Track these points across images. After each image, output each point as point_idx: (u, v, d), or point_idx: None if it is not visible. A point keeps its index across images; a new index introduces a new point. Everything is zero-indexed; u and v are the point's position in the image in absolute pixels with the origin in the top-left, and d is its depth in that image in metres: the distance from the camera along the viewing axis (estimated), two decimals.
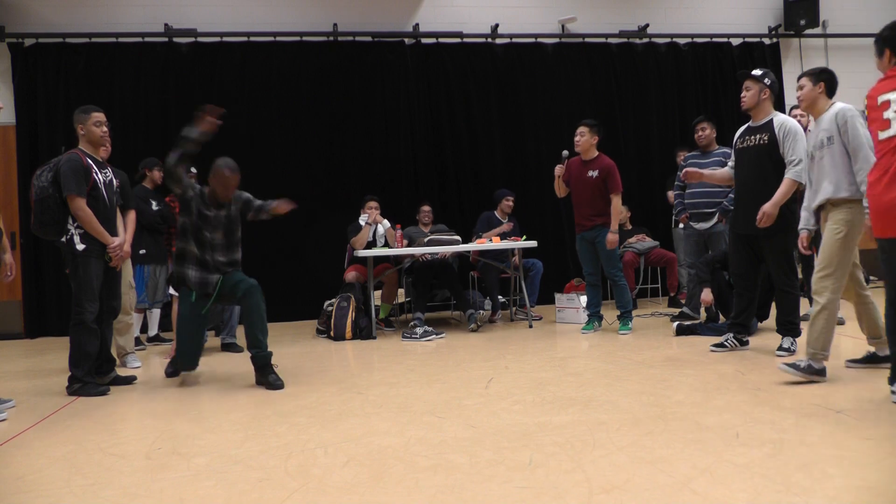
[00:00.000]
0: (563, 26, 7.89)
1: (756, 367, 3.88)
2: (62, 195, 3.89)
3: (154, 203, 5.66)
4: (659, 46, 8.03)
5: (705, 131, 5.64)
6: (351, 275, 6.07)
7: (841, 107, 3.49)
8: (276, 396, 3.69)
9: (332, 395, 3.64)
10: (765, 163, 4.09)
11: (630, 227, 7.32)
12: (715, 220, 5.53)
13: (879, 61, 3.30)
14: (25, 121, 6.77)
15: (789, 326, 4.21)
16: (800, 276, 5.39)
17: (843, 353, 4.25)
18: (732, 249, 4.39)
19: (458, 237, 6.08)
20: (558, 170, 5.52)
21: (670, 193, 6.54)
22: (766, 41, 8.26)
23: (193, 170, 6.04)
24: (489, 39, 7.68)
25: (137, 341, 5.22)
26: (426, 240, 5.97)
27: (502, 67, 7.69)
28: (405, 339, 5.48)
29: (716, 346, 4.41)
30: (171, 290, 5.40)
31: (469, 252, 6.46)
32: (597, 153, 5.43)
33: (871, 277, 8.15)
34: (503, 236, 6.33)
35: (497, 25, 7.65)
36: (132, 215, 4.92)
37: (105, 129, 4.14)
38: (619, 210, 5.34)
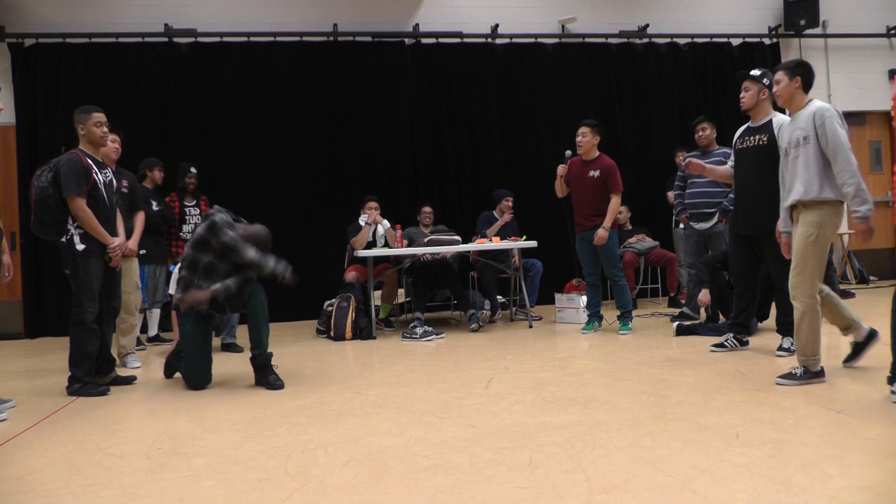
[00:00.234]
0: (563, 26, 7.89)
1: (756, 367, 3.88)
2: (62, 195, 3.88)
3: (154, 203, 5.66)
4: (659, 46, 8.03)
5: (705, 131, 5.64)
6: (351, 275, 6.07)
7: (819, 106, 3.45)
8: (276, 396, 3.69)
9: (332, 396, 3.64)
10: (764, 163, 4.09)
11: (630, 227, 7.32)
12: (715, 220, 5.54)
13: None
14: (25, 121, 6.77)
15: (789, 326, 4.20)
16: None
17: (841, 354, 4.26)
18: (732, 249, 4.39)
19: (458, 237, 6.08)
20: (561, 169, 5.52)
21: (670, 194, 6.54)
22: (766, 41, 8.26)
23: (193, 169, 6.05)
24: (489, 39, 7.68)
25: (137, 341, 5.22)
26: (426, 240, 5.97)
27: (502, 67, 7.69)
28: (405, 340, 5.48)
29: (716, 346, 4.42)
30: (171, 291, 5.42)
31: (469, 252, 6.47)
32: (598, 153, 5.44)
33: (871, 277, 8.16)
34: (504, 234, 6.33)
35: (497, 25, 7.66)
36: (141, 216, 4.96)
37: (105, 129, 4.14)
38: (616, 209, 5.33)
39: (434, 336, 5.51)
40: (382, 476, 2.36)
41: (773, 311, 4.37)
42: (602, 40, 7.89)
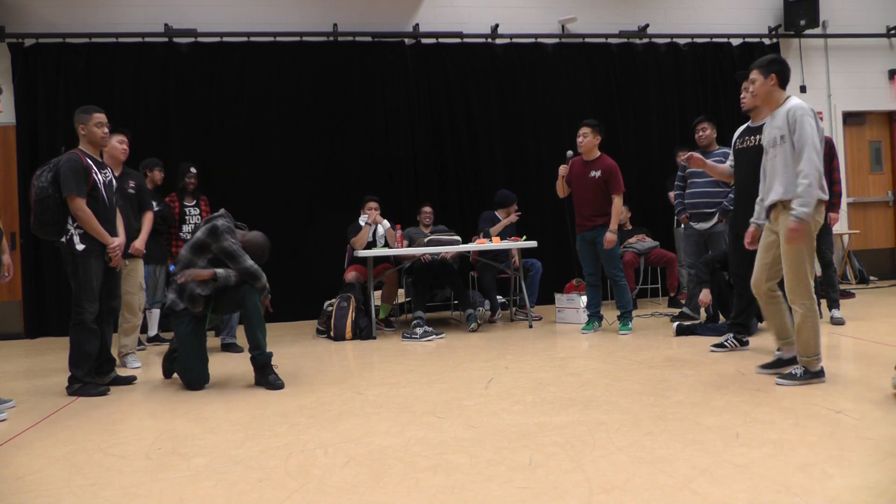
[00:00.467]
0: (563, 26, 7.89)
1: (756, 367, 3.87)
2: (62, 195, 3.88)
3: (154, 203, 5.66)
4: (659, 46, 8.03)
5: (706, 131, 5.64)
6: (351, 275, 6.07)
7: (794, 104, 3.43)
8: (276, 396, 3.69)
9: (332, 396, 3.64)
10: None
11: (630, 227, 7.32)
12: (715, 220, 5.54)
13: None
14: (25, 121, 6.77)
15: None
16: None
17: (842, 354, 4.26)
18: (732, 249, 4.39)
19: (458, 237, 6.08)
20: (563, 169, 5.52)
21: (671, 194, 6.55)
22: (766, 41, 8.26)
23: (193, 170, 6.05)
24: (489, 39, 7.68)
25: (137, 341, 5.22)
26: (426, 240, 5.97)
27: (502, 67, 7.69)
28: (405, 340, 5.48)
29: (716, 346, 4.42)
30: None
31: (469, 252, 6.47)
32: (599, 153, 5.44)
33: (872, 277, 8.16)
34: (504, 234, 6.33)
35: (497, 25, 7.66)
36: (149, 216, 4.98)
37: (106, 129, 4.15)
38: (619, 210, 5.34)
39: (434, 336, 5.51)
40: (382, 476, 2.36)
41: None
42: (602, 40, 7.89)
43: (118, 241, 4.09)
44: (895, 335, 4.69)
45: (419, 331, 5.50)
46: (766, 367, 3.73)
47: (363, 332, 5.66)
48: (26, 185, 6.14)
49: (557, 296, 6.24)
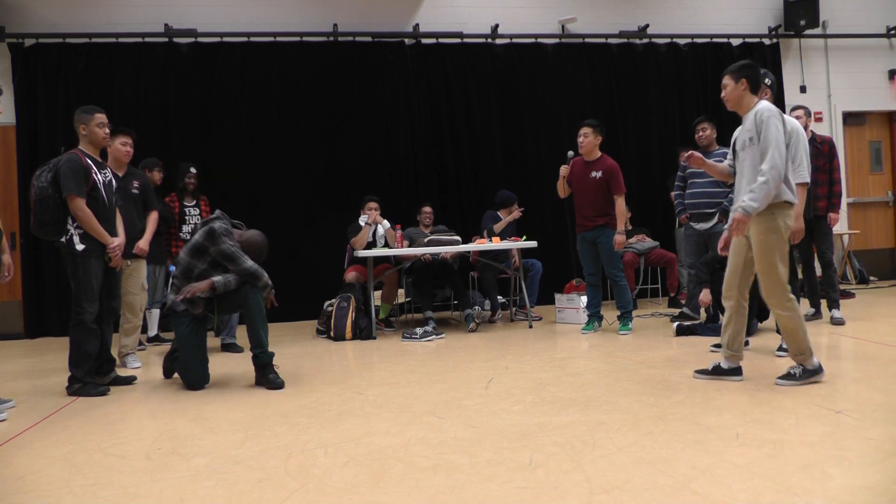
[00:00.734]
0: (563, 26, 7.89)
1: (756, 367, 3.88)
2: (62, 195, 3.88)
3: None
4: (659, 47, 8.03)
5: (706, 131, 5.64)
6: (351, 275, 6.07)
7: (761, 107, 3.42)
8: (276, 396, 3.69)
9: (332, 396, 3.64)
10: None
11: (630, 227, 7.31)
12: (715, 220, 5.53)
13: None
14: (25, 121, 6.77)
15: None
16: (799, 276, 5.41)
17: (842, 354, 4.26)
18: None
19: (458, 237, 6.08)
20: (564, 170, 5.52)
21: (673, 194, 6.55)
22: (766, 41, 8.26)
23: (193, 170, 6.05)
24: (489, 40, 7.68)
25: (138, 341, 5.21)
26: (426, 240, 5.98)
27: (502, 67, 7.69)
28: (405, 340, 5.48)
29: (716, 346, 4.41)
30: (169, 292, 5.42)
31: (469, 252, 6.47)
32: (600, 154, 5.44)
33: (871, 277, 8.16)
34: (504, 234, 6.33)
35: (497, 26, 7.66)
36: (154, 216, 4.98)
37: (107, 130, 4.15)
38: (623, 211, 5.36)
39: (434, 336, 5.51)
40: (382, 476, 2.36)
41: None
42: (602, 40, 7.89)
43: (118, 241, 4.09)
44: (895, 335, 4.69)
45: (419, 331, 5.50)
46: (701, 372, 3.71)
47: (363, 332, 5.66)
48: (26, 185, 6.14)
49: (557, 296, 6.24)
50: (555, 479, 2.25)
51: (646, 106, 7.94)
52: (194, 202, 6.05)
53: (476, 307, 6.05)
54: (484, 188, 7.46)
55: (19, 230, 6.68)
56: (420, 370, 4.24)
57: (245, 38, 7.17)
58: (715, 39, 8.12)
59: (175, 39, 7.06)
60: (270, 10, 7.32)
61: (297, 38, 7.28)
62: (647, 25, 7.96)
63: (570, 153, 5.58)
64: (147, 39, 7.00)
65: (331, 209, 7.10)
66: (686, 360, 4.18)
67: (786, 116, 4.13)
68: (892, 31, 8.44)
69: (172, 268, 5.53)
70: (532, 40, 7.75)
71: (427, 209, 6.72)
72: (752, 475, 2.20)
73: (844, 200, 8.05)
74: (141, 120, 6.89)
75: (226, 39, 7.14)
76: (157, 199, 5.75)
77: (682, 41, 8.07)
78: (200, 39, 7.10)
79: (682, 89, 8.03)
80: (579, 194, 5.48)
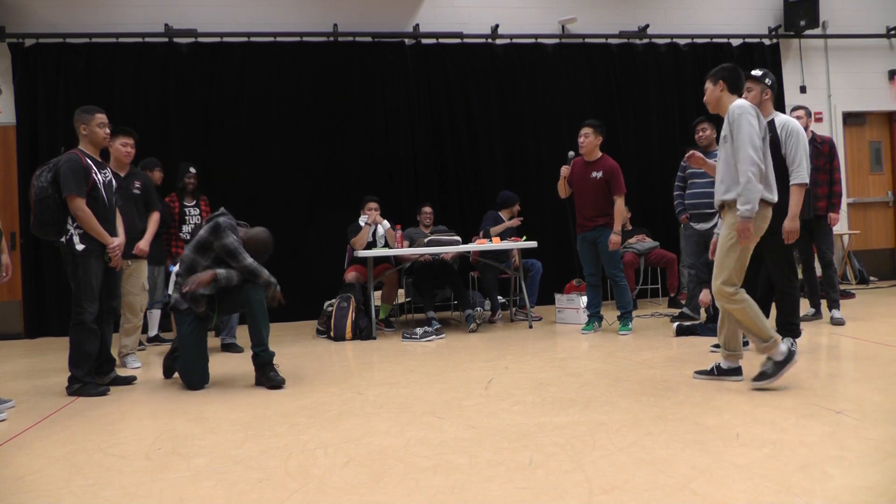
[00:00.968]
0: (563, 27, 7.89)
1: (756, 367, 3.86)
2: (62, 195, 3.88)
3: None
4: (659, 47, 8.03)
5: (706, 132, 5.64)
6: (351, 275, 6.07)
7: (734, 104, 3.42)
8: (276, 396, 3.69)
9: (332, 396, 3.64)
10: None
11: (630, 227, 7.32)
12: (715, 220, 5.53)
13: None
14: (25, 121, 6.77)
15: (789, 327, 4.20)
16: (800, 276, 5.41)
17: (842, 354, 4.26)
18: None
19: (458, 237, 6.08)
20: (565, 170, 5.52)
21: (674, 194, 6.55)
22: (766, 42, 8.26)
23: (193, 169, 6.05)
24: (489, 40, 7.68)
25: (138, 342, 5.21)
26: (426, 240, 5.98)
27: (502, 68, 7.69)
28: (405, 340, 5.48)
29: (716, 346, 4.41)
30: (170, 291, 5.41)
31: (469, 252, 6.47)
32: (600, 154, 5.45)
33: (872, 278, 8.16)
34: (504, 234, 6.33)
35: (497, 26, 7.66)
36: (155, 216, 4.98)
37: (108, 130, 4.15)
38: (622, 211, 5.35)
39: (434, 336, 5.51)
40: (382, 476, 2.36)
41: (773, 311, 4.36)
42: (602, 41, 7.89)
43: (118, 241, 4.09)
44: (895, 335, 4.69)
45: (419, 331, 5.50)
46: (701, 372, 3.71)
47: (363, 332, 5.66)
48: (26, 185, 6.13)
49: (557, 296, 6.24)
50: (555, 480, 2.25)
51: (646, 106, 7.94)
52: (194, 202, 6.05)
53: (477, 308, 6.05)
54: (484, 188, 7.46)
55: (19, 230, 6.68)
56: (420, 370, 4.24)
57: (245, 39, 7.17)
58: (715, 40, 8.12)
59: (175, 39, 7.07)
60: (270, 11, 7.32)
61: (298, 39, 7.28)
62: (648, 26, 7.96)
63: (571, 153, 5.58)
64: (147, 39, 7.00)
65: (331, 209, 7.10)
66: (686, 360, 4.18)
67: (785, 117, 4.16)
68: (892, 32, 8.44)
69: (172, 268, 5.53)
70: (532, 40, 7.76)
71: (427, 209, 6.72)
72: (752, 475, 2.20)
73: (844, 201, 8.05)
74: (141, 120, 6.89)
75: (226, 39, 7.14)
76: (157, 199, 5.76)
77: (682, 41, 8.07)
78: (200, 39, 7.11)
79: (682, 89, 8.04)
80: (580, 194, 5.49)
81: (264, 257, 4.12)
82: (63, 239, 3.93)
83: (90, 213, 3.92)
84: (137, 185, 4.92)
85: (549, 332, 5.70)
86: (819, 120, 8.19)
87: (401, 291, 6.74)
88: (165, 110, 7.01)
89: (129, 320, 4.82)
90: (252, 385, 4.00)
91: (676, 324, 5.20)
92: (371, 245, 6.14)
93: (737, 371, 3.60)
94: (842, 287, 6.79)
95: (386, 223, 6.18)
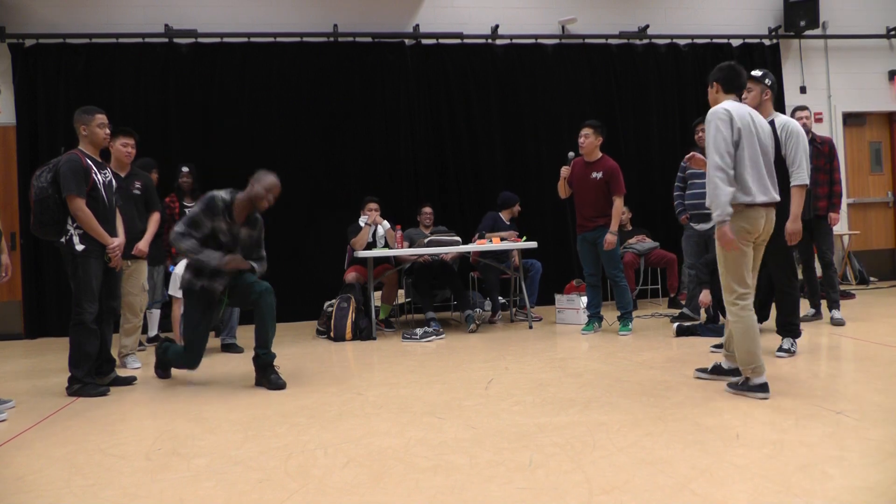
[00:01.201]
0: (563, 27, 7.89)
1: (695, 370, 3.86)
2: (62, 196, 3.88)
3: None
4: (659, 47, 8.03)
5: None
6: (351, 275, 6.07)
7: (710, 110, 3.38)
8: (276, 397, 3.69)
9: (332, 396, 3.64)
10: None
11: (630, 227, 7.32)
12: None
13: None
14: (25, 121, 6.77)
15: (789, 327, 4.21)
16: (800, 276, 5.41)
17: (843, 354, 4.26)
18: None
19: (458, 238, 6.08)
20: (565, 171, 5.52)
21: (674, 195, 6.55)
22: (767, 42, 8.26)
23: (185, 168, 6.05)
24: (489, 40, 7.68)
25: (138, 342, 5.21)
26: (426, 241, 5.98)
27: (502, 68, 7.69)
28: (405, 340, 5.48)
29: (716, 346, 4.41)
30: (170, 291, 5.42)
31: (469, 253, 6.46)
32: (600, 154, 5.45)
33: (872, 278, 8.16)
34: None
35: (497, 26, 7.66)
36: (156, 216, 4.97)
37: (108, 131, 4.15)
38: (620, 211, 5.35)
39: (434, 337, 5.51)
40: (382, 477, 2.36)
41: (774, 311, 4.36)
42: (602, 41, 7.89)
43: (118, 241, 4.09)
44: (895, 336, 4.69)
45: (419, 331, 5.50)
46: (702, 370, 3.70)
47: (363, 332, 5.66)
48: (26, 185, 6.13)
49: (557, 296, 6.24)
50: (555, 480, 2.25)
51: (646, 106, 7.94)
52: (194, 202, 6.05)
53: (477, 308, 6.05)
54: (484, 188, 7.46)
55: (19, 230, 6.68)
56: (420, 371, 4.24)
57: (245, 39, 7.17)
58: (715, 40, 8.12)
59: (175, 40, 7.06)
60: (271, 11, 7.32)
61: (298, 39, 7.28)
62: (648, 26, 7.96)
63: (571, 154, 5.58)
64: (147, 40, 7.00)
65: (331, 209, 7.09)
66: (686, 360, 4.18)
67: (785, 118, 4.16)
68: (892, 32, 8.43)
69: (172, 268, 5.53)
70: (532, 41, 7.76)
71: (427, 209, 6.72)
72: (752, 475, 2.20)
73: (844, 201, 8.06)
74: (141, 120, 6.89)
75: (226, 40, 7.14)
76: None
77: (682, 42, 8.07)
78: (201, 40, 7.11)
79: (682, 90, 8.03)
80: (580, 195, 5.48)
81: (268, 199, 3.98)
82: (63, 239, 3.93)
83: (90, 213, 3.92)
84: (137, 185, 4.92)
85: (549, 332, 5.70)
86: (819, 120, 8.19)
87: (401, 292, 6.74)
88: (165, 111, 7.01)
89: (129, 320, 4.82)
90: (252, 385, 3.99)
91: (676, 324, 5.20)
92: (371, 245, 6.14)
93: (737, 372, 3.59)
94: (842, 287, 6.78)
95: (386, 223, 6.18)
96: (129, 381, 4.23)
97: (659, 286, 7.38)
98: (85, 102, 4.91)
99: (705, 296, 5.10)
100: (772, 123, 4.13)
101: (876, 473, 2.20)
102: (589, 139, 5.39)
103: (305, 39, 7.29)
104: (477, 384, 3.77)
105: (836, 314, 5.31)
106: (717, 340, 4.48)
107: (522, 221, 6.90)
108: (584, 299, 5.79)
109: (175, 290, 5.37)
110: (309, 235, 7.13)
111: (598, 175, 5.35)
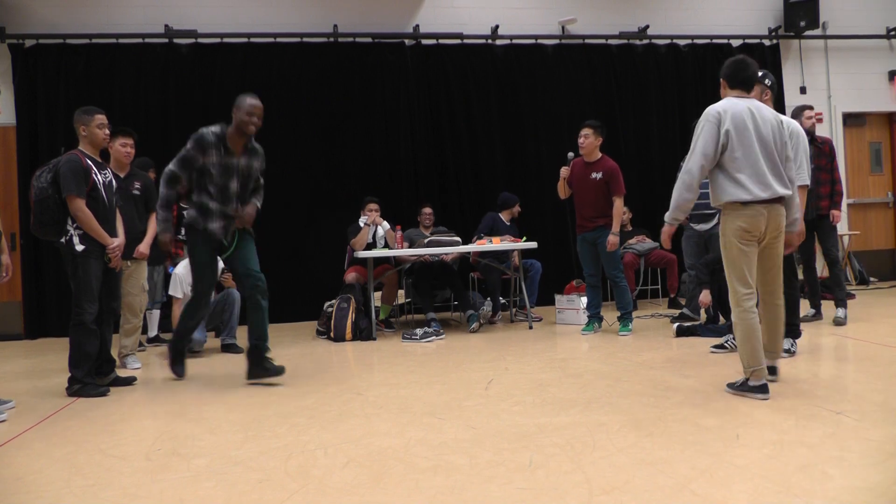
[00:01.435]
0: (563, 27, 7.89)
1: (787, 370, 3.86)
2: (61, 196, 3.88)
3: None
4: (659, 47, 8.03)
5: None
6: (351, 276, 6.07)
7: (706, 109, 3.36)
8: (275, 397, 3.69)
9: (332, 396, 3.64)
10: None
11: (630, 228, 7.31)
12: (715, 220, 5.53)
13: None
14: (25, 121, 6.77)
15: (789, 327, 4.19)
16: (800, 277, 5.41)
17: (843, 354, 4.26)
18: None
19: (458, 238, 6.08)
20: (564, 171, 5.52)
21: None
22: (767, 42, 8.26)
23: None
24: (489, 40, 7.68)
25: (138, 342, 5.21)
26: (426, 241, 5.98)
27: (502, 68, 7.69)
28: (405, 341, 5.48)
29: (716, 347, 4.42)
30: (170, 291, 5.42)
31: (469, 253, 6.46)
32: (600, 155, 5.45)
33: (872, 278, 8.16)
34: (506, 233, 6.34)
35: (497, 26, 7.66)
36: (155, 217, 4.96)
37: (108, 131, 4.15)
38: (620, 212, 5.35)
39: (434, 337, 5.51)
40: (382, 477, 2.36)
41: None
42: (602, 41, 7.89)
43: (118, 241, 4.09)
44: (895, 336, 4.69)
45: (419, 331, 5.50)
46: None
47: (363, 332, 5.66)
48: (26, 186, 6.12)
49: (557, 297, 6.24)
50: (555, 480, 2.25)
51: (646, 107, 7.94)
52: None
53: (483, 308, 6.05)
54: (484, 189, 7.46)
55: (19, 230, 6.68)
56: (420, 371, 4.24)
57: (245, 39, 7.17)
58: (715, 40, 8.12)
59: (175, 40, 7.06)
60: (271, 11, 7.33)
61: (298, 39, 7.28)
62: (647, 26, 7.96)
63: (571, 154, 5.58)
64: (147, 40, 7.00)
65: (331, 210, 7.09)
66: (686, 361, 4.18)
67: (786, 119, 4.15)
68: (892, 32, 8.43)
69: (172, 269, 5.53)
70: (532, 41, 7.76)
71: (427, 210, 6.72)
72: (752, 476, 2.20)
73: (844, 201, 8.06)
74: (141, 120, 6.88)
75: (226, 40, 7.14)
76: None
77: (682, 42, 8.07)
78: (201, 40, 7.10)
79: (682, 90, 8.03)
80: (580, 195, 5.48)
81: (252, 121, 3.98)
82: (63, 239, 3.93)
83: (90, 213, 3.92)
84: (137, 185, 4.92)
85: (549, 332, 5.70)
86: (819, 121, 8.19)
87: (401, 292, 6.74)
88: (165, 111, 7.01)
89: (129, 321, 4.82)
90: (252, 385, 3.99)
91: (676, 325, 5.20)
92: (371, 246, 6.14)
93: (770, 371, 3.50)
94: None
95: (386, 224, 6.18)
96: (129, 381, 4.23)
97: (659, 286, 7.38)
98: (85, 103, 4.90)
99: (705, 296, 5.10)
100: None
101: (876, 474, 2.19)
102: (589, 139, 5.39)
103: (305, 40, 7.29)
104: (477, 384, 3.77)
105: (840, 312, 5.28)
106: (718, 341, 4.48)
107: (522, 222, 6.89)
108: (584, 300, 5.79)
109: (175, 291, 5.38)
110: (309, 235, 7.13)
111: (597, 175, 5.35)
